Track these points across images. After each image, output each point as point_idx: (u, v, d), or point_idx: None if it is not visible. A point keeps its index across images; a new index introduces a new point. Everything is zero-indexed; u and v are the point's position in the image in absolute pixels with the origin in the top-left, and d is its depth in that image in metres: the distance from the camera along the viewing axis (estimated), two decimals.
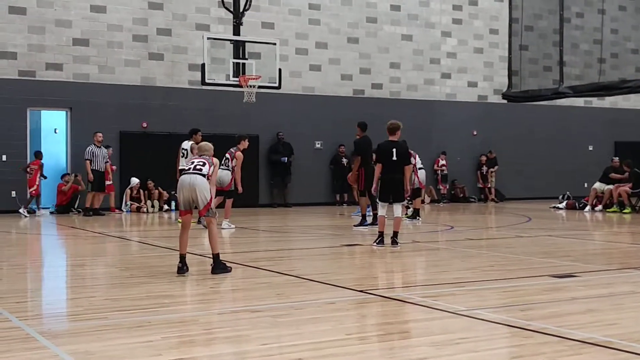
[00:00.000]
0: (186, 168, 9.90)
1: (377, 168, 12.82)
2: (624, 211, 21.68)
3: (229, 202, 16.42)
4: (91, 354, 5.53)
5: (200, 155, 10.07)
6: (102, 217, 19.98)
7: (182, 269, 9.39)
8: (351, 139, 20.45)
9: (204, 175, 9.55)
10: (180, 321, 6.82)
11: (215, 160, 10.02)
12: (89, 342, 5.91)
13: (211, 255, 9.63)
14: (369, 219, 16.19)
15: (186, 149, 17.35)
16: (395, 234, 12.50)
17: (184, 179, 9.60)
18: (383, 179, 12.69)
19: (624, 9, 22.06)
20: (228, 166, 15.95)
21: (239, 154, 16.14)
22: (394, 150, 12.57)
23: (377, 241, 12.60)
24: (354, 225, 16.45)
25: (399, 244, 12.42)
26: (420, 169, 18.30)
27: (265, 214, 21.62)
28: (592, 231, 17.54)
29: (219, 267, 9.51)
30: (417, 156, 17.92)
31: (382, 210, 12.77)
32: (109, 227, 17.29)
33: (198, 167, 9.64)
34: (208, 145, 10.25)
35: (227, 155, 16.10)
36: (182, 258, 9.48)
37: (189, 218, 9.71)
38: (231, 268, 9.65)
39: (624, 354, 5.53)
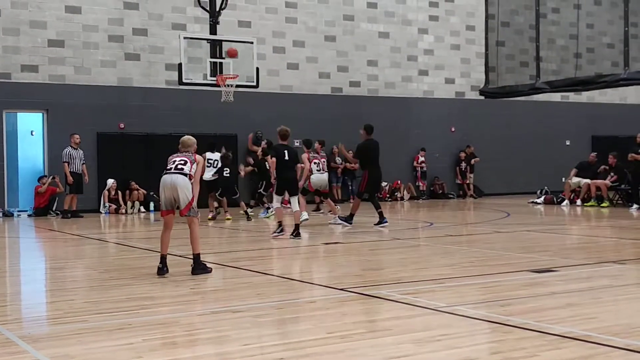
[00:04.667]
0: (167, 167, 9.57)
1: (272, 164, 14.51)
2: (601, 205, 21.82)
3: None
4: (72, 358, 5.50)
5: (182, 152, 9.72)
6: (80, 220, 19.85)
7: (162, 270, 9.32)
8: (331, 138, 20.50)
9: (185, 175, 9.41)
10: (161, 323, 6.80)
11: (199, 157, 9.69)
12: (70, 346, 5.88)
13: (191, 256, 9.59)
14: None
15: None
16: (297, 226, 13.87)
17: (165, 178, 9.45)
18: (279, 176, 14.27)
19: (599, 4, 22.13)
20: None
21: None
22: (286, 151, 14.12)
23: (277, 231, 13.94)
24: (329, 222, 16.69)
25: (300, 236, 13.72)
26: (318, 171, 17.83)
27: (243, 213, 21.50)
28: (570, 226, 17.65)
29: (200, 267, 9.45)
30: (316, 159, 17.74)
31: (278, 202, 14.30)
32: (88, 229, 17.19)
33: (179, 166, 9.45)
34: (191, 140, 9.84)
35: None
36: (163, 259, 9.40)
37: (171, 218, 9.60)
38: (211, 269, 9.61)
39: (603, 348, 5.57)
